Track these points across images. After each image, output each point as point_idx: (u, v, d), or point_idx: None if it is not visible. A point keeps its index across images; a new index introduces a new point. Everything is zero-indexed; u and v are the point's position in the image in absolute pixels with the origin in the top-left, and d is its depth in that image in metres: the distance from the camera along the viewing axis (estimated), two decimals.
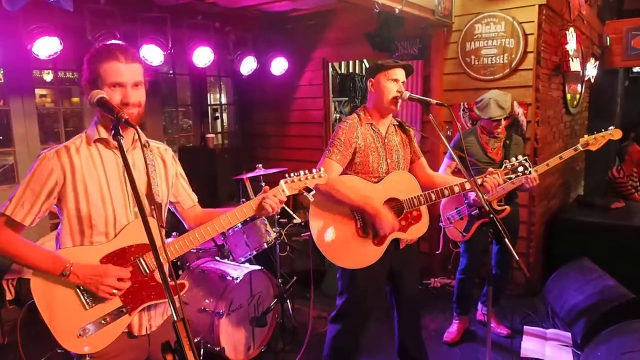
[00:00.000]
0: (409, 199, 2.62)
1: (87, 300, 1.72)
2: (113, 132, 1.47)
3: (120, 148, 1.45)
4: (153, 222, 1.83)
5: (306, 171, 2.04)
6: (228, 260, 3.75)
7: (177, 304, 1.94)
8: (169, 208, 2.04)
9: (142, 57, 1.82)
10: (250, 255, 3.70)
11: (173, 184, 1.98)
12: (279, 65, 5.50)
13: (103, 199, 1.72)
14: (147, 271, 1.78)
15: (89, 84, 1.69)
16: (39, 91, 4.98)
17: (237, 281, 3.34)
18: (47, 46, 3.67)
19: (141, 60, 1.76)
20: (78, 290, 1.71)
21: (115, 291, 1.70)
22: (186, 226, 2.08)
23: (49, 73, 4.88)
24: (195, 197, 2.09)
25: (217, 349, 3.27)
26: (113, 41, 3.83)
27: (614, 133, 2.91)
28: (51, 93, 5.07)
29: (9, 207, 1.67)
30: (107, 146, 1.76)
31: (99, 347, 1.72)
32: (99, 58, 1.68)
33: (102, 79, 1.67)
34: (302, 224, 4.60)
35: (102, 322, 1.72)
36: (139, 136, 1.49)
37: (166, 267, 1.95)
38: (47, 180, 1.67)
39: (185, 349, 1.10)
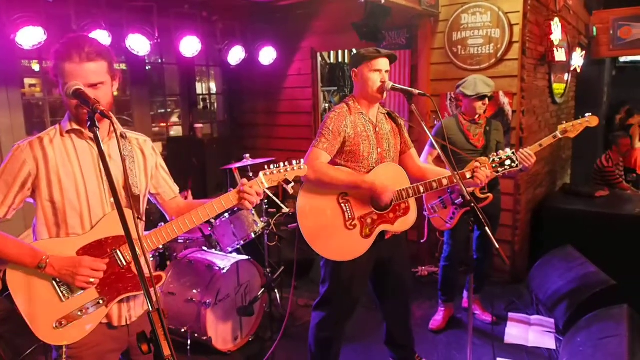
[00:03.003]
0: (397, 191, 2.62)
1: (64, 292, 1.72)
2: (89, 123, 1.47)
3: (97, 140, 1.45)
4: (129, 214, 1.82)
5: (286, 163, 2.03)
6: (215, 250, 3.77)
7: (154, 295, 1.97)
8: (150, 199, 2.04)
9: (109, 51, 1.76)
10: (237, 245, 3.73)
11: (153, 175, 1.98)
12: (267, 55, 5.48)
13: (78, 192, 1.72)
14: (124, 263, 1.78)
15: (56, 79, 1.68)
16: (28, 81, 4.94)
17: (224, 271, 3.36)
18: (30, 36, 3.62)
19: (105, 56, 1.70)
20: (54, 282, 1.72)
21: (92, 280, 1.70)
22: (167, 218, 2.08)
23: (37, 63, 4.84)
24: (176, 189, 2.09)
25: (204, 338, 3.31)
26: (97, 33, 3.84)
27: (591, 120, 2.95)
28: (40, 83, 5.02)
29: None
30: (80, 137, 1.76)
31: (76, 339, 1.73)
32: (58, 56, 1.65)
33: (62, 78, 1.65)
34: (291, 213, 4.62)
35: (79, 313, 1.73)
36: (114, 128, 1.50)
37: (145, 259, 1.97)
38: (19, 171, 1.68)
39: (160, 339, 1.12)
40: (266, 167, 2.01)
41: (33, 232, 1.80)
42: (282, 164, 2.03)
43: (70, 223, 1.73)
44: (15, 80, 4.52)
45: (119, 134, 1.81)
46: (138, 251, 1.72)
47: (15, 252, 1.69)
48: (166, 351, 1.13)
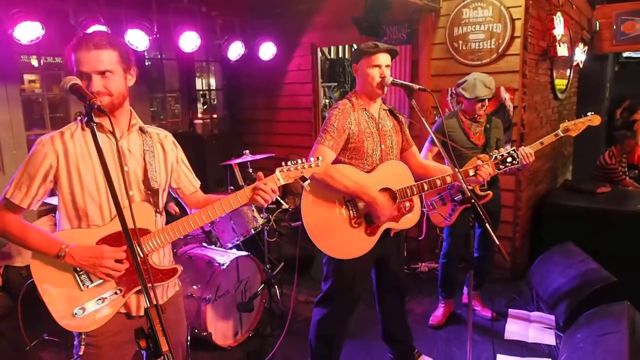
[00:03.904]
0: (401, 189, 2.60)
1: (83, 281, 1.78)
2: (86, 119, 1.48)
3: (93, 135, 1.46)
4: (148, 207, 1.86)
5: (303, 160, 2.00)
6: (215, 246, 3.77)
7: (161, 292, 1.97)
8: (171, 193, 2.07)
9: (122, 43, 1.78)
10: (237, 241, 3.72)
11: (174, 169, 2.00)
12: (267, 51, 5.45)
13: (97, 184, 1.76)
14: (141, 255, 1.79)
15: (73, 72, 1.73)
16: (27, 76, 4.93)
17: (224, 267, 3.36)
18: (28, 31, 3.60)
19: (116, 46, 1.74)
20: (74, 272, 1.77)
21: (112, 272, 1.75)
22: (188, 211, 2.08)
23: (36, 58, 4.82)
24: (197, 183, 2.11)
25: (204, 334, 3.31)
26: (96, 28, 3.83)
27: (593, 119, 2.93)
28: (39, 79, 5.01)
29: (9, 190, 1.75)
30: (100, 130, 1.76)
31: (93, 326, 1.79)
32: (71, 48, 1.71)
33: (75, 67, 1.70)
34: (291, 210, 4.60)
35: (98, 302, 1.78)
36: (111, 123, 1.50)
37: (165, 251, 1.96)
38: (41, 163, 1.73)
39: (158, 335, 1.11)
40: (283, 163, 1.98)
41: (56, 223, 1.86)
42: (299, 161, 1.99)
43: (90, 215, 1.78)
44: (14, 76, 4.50)
45: (112, 131, 1.83)
46: (146, 248, 1.79)
47: (36, 240, 1.75)
48: (164, 347, 1.12)
